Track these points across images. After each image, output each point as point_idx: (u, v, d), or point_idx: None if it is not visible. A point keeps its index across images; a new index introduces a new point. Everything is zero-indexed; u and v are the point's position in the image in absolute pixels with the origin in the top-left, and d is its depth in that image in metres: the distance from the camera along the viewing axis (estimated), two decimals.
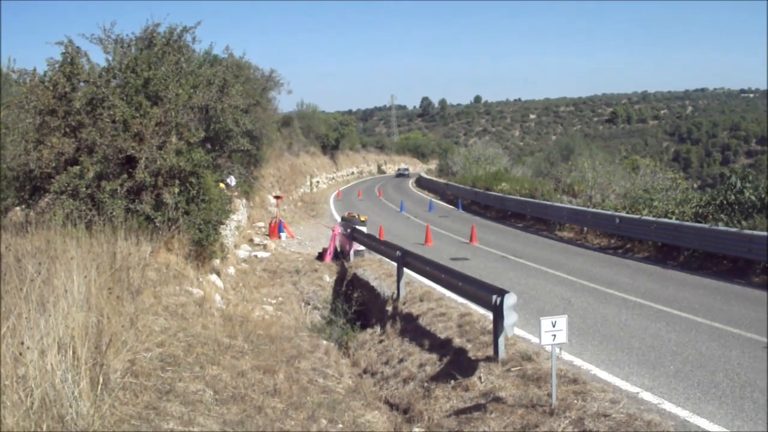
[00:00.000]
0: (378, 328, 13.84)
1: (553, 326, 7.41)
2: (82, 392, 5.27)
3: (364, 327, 14.71)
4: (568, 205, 28.05)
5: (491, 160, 53.74)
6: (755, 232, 16.26)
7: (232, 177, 20.76)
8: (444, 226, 29.45)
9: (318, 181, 57.97)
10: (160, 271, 11.74)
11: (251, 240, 23.88)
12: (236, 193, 22.86)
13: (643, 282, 15.87)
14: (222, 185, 17.77)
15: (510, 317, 9.31)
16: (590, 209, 25.73)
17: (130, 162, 12.29)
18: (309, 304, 17.37)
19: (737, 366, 9.30)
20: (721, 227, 17.55)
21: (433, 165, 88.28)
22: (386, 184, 59.17)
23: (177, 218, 12.68)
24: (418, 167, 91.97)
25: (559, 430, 7.19)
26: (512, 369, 9.18)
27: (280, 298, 16.95)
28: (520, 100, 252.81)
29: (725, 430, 7.15)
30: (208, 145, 14.89)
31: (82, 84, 12.85)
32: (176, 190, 12.53)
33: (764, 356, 9.73)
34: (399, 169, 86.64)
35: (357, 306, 15.49)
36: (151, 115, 12.35)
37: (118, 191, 11.91)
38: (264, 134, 27.88)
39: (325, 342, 13.20)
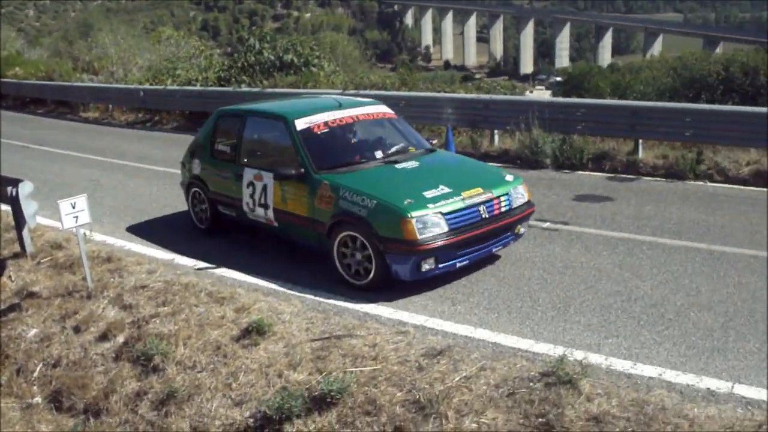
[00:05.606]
0: None
1: (74, 208, 7.09)
2: None
3: None
4: (90, 84, 26.86)
5: (3, 45, 48.31)
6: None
7: None
8: None
9: None
10: None
11: None
12: None
13: (171, 152, 16.01)
14: None
15: (30, 207, 8.71)
16: (113, 85, 24.93)
17: None
18: None
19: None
20: (244, 89, 18.39)
21: None
22: None
23: None
24: None
25: (99, 311, 7.15)
26: (42, 261, 8.71)
27: None
28: None
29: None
30: None
31: None
32: None
33: None
34: None
35: None
36: None
37: None
38: None
39: None
